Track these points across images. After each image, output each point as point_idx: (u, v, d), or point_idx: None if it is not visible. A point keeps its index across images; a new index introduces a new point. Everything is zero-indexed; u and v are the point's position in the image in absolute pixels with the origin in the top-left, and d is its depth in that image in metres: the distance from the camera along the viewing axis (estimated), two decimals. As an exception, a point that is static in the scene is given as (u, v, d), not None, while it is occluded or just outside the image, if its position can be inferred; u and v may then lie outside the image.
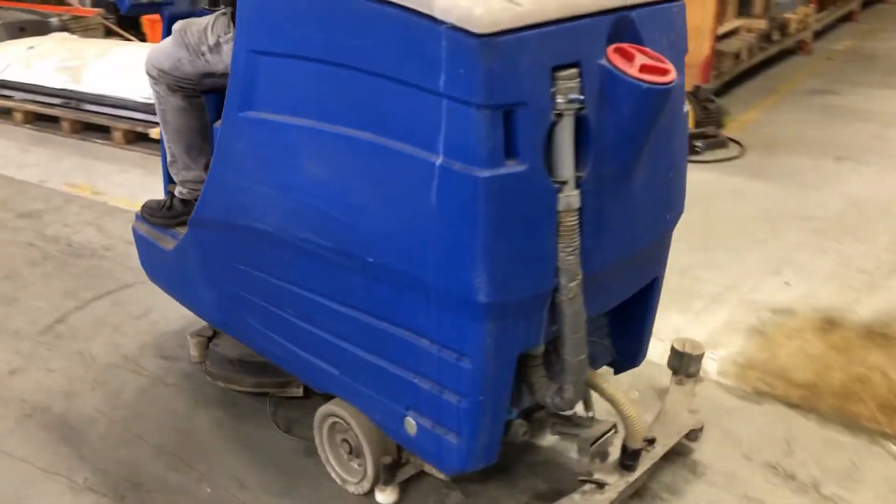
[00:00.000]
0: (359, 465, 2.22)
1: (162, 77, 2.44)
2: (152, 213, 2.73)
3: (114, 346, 2.97)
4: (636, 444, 2.12)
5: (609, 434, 2.20)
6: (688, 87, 5.28)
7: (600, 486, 2.10)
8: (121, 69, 5.42)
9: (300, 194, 1.96)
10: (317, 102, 1.86)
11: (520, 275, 1.71)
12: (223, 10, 2.32)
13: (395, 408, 1.97)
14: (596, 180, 1.75)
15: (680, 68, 1.88)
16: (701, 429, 2.41)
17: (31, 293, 3.40)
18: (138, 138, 5.32)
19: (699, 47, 5.70)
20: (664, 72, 1.68)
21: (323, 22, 1.79)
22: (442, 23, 1.53)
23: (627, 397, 2.10)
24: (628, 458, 2.14)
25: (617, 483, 2.12)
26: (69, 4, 8.33)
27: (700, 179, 4.58)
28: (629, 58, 1.70)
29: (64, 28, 7.48)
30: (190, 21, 2.40)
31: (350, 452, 2.22)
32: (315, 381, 2.23)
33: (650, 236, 2.01)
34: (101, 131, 5.53)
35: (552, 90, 1.62)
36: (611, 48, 1.70)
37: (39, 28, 7.18)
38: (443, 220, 1.66)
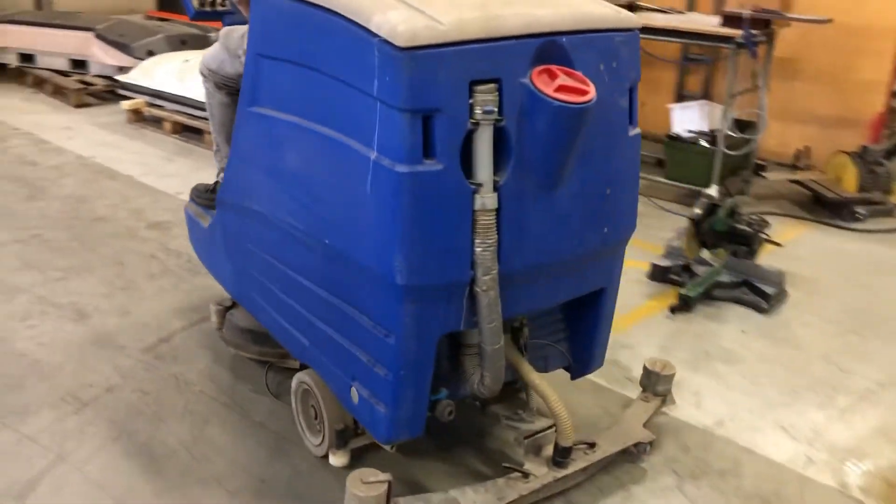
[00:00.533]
0: (320, 430, 2.44)
1: (210, 76, 2.82)
2: (199, 195, 3.07)
3: (210, 374, 2.96)
4: (566, 442, 2.26)
5: (546, 431, 2.34)
6: (854, 147, 5.06)
7: (525, 475, 2.25)
8: None
9: (283, 181, 2.25)
10: (295, 100, 2.16)
11: (436, 263, 1.90)
12: None
13: (344, 378, 2.19)
14: (517, 186, 1.93)
15: (624, 93, 2.08)
16: (651, 443, 2.50)
17: (144, 308, 3.42)
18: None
19: (870, 103, 5.20)
20: (581, 92, 1.87)
21: (296, 30, 2.11)
22: (375, 35, 1.78)
23: (558, 396, 2.23)
24: (559, 455, 2.29)
25: (544, 476, 2.26)
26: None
27: (859, 251, 4.28)
28: (553, 78, 1.88)
29: None
30: (233, 28, 2.75)
31: (315, 418, 2.46)
32: (294, 350, 2.48)
33: (582, 246, 2.15)
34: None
35: (470, 101, 1.81)
36: (537, 69, 1.88)
37: (200, 42, 7.22)
38: (373, 208, 1.89)
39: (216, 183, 2.99)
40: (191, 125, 6.01)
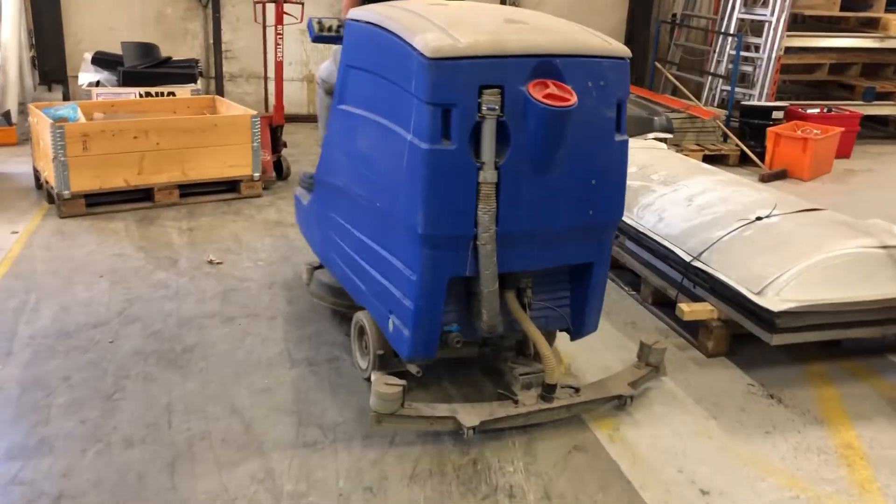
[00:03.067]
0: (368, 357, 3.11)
1: (322, 84, 3.63)
2: (303, 180, 3.73)
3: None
4: (551, 380, 2.82)
5: (537, 373, 2.91)
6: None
7: (515, 401, 2.83)
8: (696, 214, 3.89)
9: (356, 160, 2.97)
10: (367, 98, 2.90)
11: (446, 219, 2.54)
12: None
13: (385, 311, 2.83)
14: (513, 168, 2.57)
15: (611, 106, 2.70)
16: (631, 397, 3.01)
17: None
18: (663, 303, 3.92)
19: None
20: (564, 100, 2.50)
21: (369, 46, 2.88)
22: (415, 49, 2.49)
23: (547, 343, 2.83)
24: (545, 391, 2.85)
25: (531, 405, 2.83)
26: (690, 100, 7.64)
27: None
28: (542, 88, 2.52)
29: (667, 129, 6.50)
30: (340, 47, 3.35)
31: (365, 347, 3.14)
32: (354, 295, 3.14)
33: (568, 221, 2.73)
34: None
35: (479, 100, 2.47)
36: (534, 80, 2.52)
37: (640, 125, 6.29)
38: (407, 176, 2.55)
39: None
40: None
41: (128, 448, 2.65)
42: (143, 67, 6.02)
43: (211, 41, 7.88)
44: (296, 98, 8.13)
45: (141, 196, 5.08)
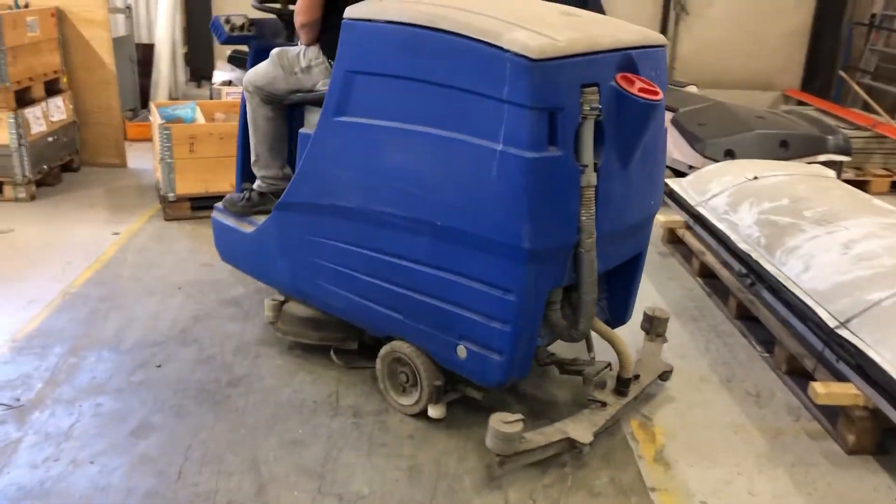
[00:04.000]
0: (414, 391, 2.77)
1: (257, 92, 3.09)
2: (233, 204, 3.30)
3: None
4: (628, 375, 2.79)
5: (605, 370, 2.86)
6: None
7: (603, 405, 2.74)
8: (851, 265, 3.11)
9: (381, 177, 2.58)
10: (399, 108, 2.50)
11: (552, 230, 2.38)
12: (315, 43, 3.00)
13: (448, 339, 2.58)
14: (606, 166, 2.45)
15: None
16: (671, 370, 3.10)
17: None
18: (800, 373, 3.13)
19: None
20: (655, 93, 2.44)
21: (406, 50, 2.44)
22: (507, 51, 2.22)
23: (622, 339, 2.81)
24: (622, 386, 2.82)
25: (615, 404, 2.77)
26: (880, 116, 6.51)
27: None
28: (631, 82, 2.44)
29: (843, 150, 5.40)
30: (285, 49, 3.08)
31: (406, 381, 2.79)
32: (378, 327, 2.83)
33: (638, 215, 2.73)
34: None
35: (580, 101, 2.31)
36: (619, 76, 2.43)
37: (810, 145, 5.24)
38: (500, 189, 2.31)
39: (251, 192, 3.28)
40: (716, 273, 3.93)
41: (126, 499, 2.38)
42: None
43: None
44: None
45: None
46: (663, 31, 7.76)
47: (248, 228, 3.23)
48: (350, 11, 2.60)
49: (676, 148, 5.41)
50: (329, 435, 2.72)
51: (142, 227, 4.68)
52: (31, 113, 5.07)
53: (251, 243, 3.21)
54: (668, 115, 5.57)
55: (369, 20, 2.55)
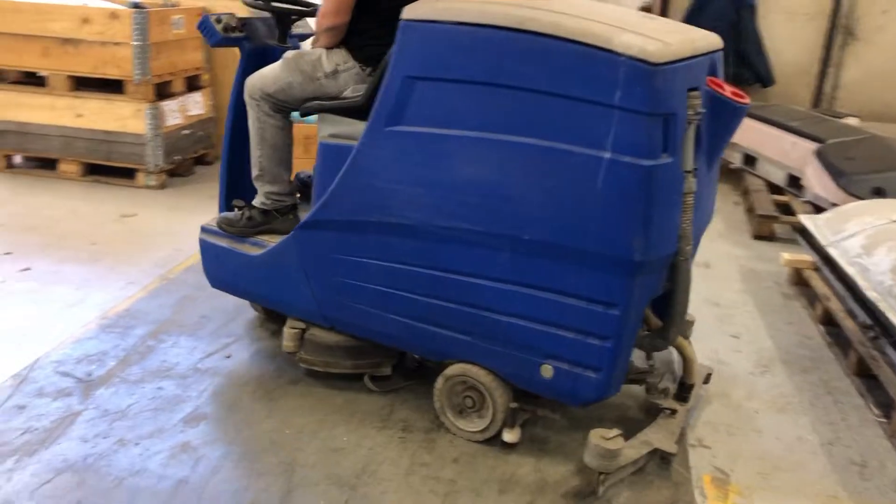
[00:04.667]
0: (480, 416, 2.63)
1: (266, 99, 2.83)
2: (232, 224, 2.99)
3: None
4: (693, 380, 2.76)
5: (664, 376, 2.88)
6: None
7: (673, 412, 2.67)
8: None
9: (450, 190, 2.41)
10: (474, 115, 2.32)
11: (661, 239, 2.30)
12: (336, 46, 2.78)
13: (530, 359, 2.45)
14: (699, 171, 2.37)
15: None
16: (712, 372, 3.05)
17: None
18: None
19: None
20: (743, 96, 2.43)
21: (490, 53, 2.27)
22: (621, 55, 2.10)
23: (689, 343, 2.81)
24: (685, 391, 2.76)
25: (681, 411, 2.70)
26: None
27: None
28: (721, 86, 2.41)
29: None
30: (300, 52, 2.85)
31: (472, 406, 2.63)
32: (438, 351, 2.66)
33: (707, 221, 2.74)
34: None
35: (686, 106, 2.24)
36: (708, 79, 2.39)
37: None
38: (609, 199, 2.19)
39: (250, 210, 3.00)
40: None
41: (157, 483, 2.37)
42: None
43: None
44: None
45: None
46: (826, 57, 7.14)
47: (252, 250, 2.96)
48: (410, 12, 2.41)
49: (819, 182, 4.88)
50: (371, 447, 2.61)
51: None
52: (168, 106, 5.33)
53: (260, 267, 2.93)
54: (812, 146, 5.10)
55: (437, 21, 2.36)
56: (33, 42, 5.12)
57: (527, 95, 2.24)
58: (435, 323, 2.61)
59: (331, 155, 2.70)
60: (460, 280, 2.50)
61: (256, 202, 3.02)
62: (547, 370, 2.45)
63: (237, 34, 3.06)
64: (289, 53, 2.86)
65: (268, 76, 2.85)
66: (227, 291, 3.18)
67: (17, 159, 5.55)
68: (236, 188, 3.23)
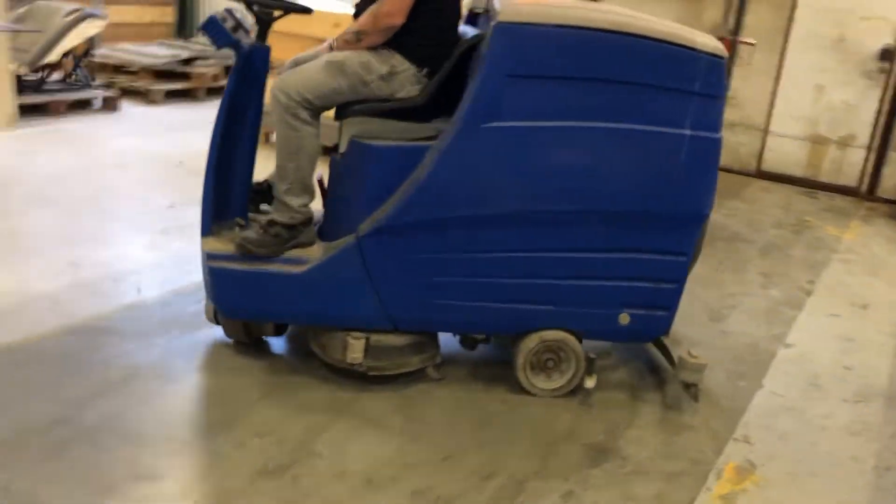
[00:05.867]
0: (562, 373, 2.95)
1: (304, 105, 2.69)
2: (262, 245, 2.74)
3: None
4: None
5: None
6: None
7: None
8: None
9: (548, 176, 2.70)
10: (571, 107, 2.65)
11: (714, 198, 2.88)
12: (380, 48, 2.75)
13: (609, 312, 2.88)
14: None
15: None
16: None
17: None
18: None
19: None
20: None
21: (594, 52, 2.64)
22: (702, 52, 2.67)
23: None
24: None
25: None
26: None
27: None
28: None
29: None
30: (339, 54, 2.75)
31: (553, 366, 2.93)
32: (520, 325, 2.89)
33: None
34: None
35: None
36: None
37: None
38: (690, 169, 2.74)
39: (273, 227, 2.77)
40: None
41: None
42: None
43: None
44: (794, 157, 6.79)
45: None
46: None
47: (294, 269, 2.77)
48: (509, 15, 2.59)
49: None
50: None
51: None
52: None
53: (308, 284, 2.78)
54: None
55: (535, 24, 2.59)
56: (297, 41, 4.70)
57: (620, 87, 2.65)
58: (520, 301, 2.84)
59: (393, 158, 2.73)
60: (551, 257, 2.79)
61: (283, 217, 2.79)
62: (625, 318, 2.89)
63: (241, 34, 2.81)
64: (329, 57, 2.76)
65: (309, 81, 2.70)
66: (253, 319, 2.94)
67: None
68: (224, 203, 2.90)
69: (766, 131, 6.81)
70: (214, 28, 2.72)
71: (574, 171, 2.71)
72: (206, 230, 2.85)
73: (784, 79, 6.65)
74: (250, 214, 2.97)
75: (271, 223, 2.79)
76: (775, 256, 4.93)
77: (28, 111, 6.02)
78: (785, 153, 6.79)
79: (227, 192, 2.90)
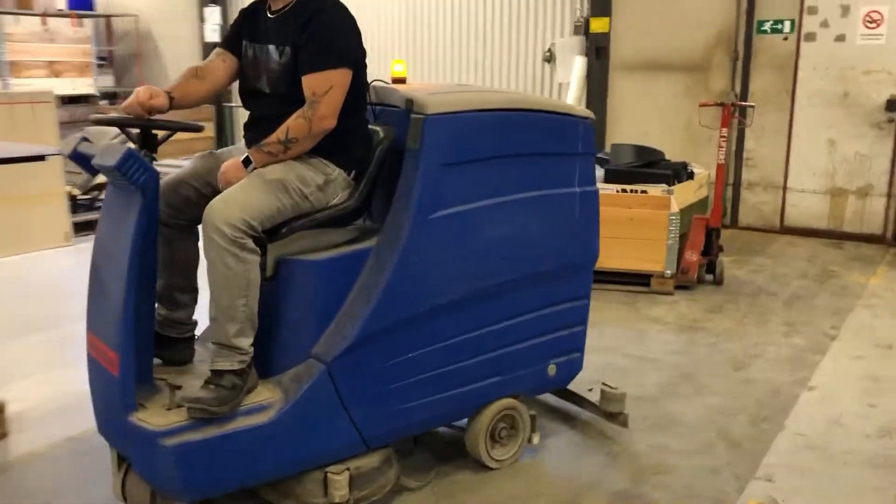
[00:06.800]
0: (514, 438, 3.05)
1: (251, 233, 2.37)
2: (221, 402, 2.34)
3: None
4: None
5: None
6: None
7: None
8: None
9: (486, 254, 2.79)
10: (494, 185, 2.79)
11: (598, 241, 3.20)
12: (307, 158, 2.54)
13: (541, 367, 3.07)
14: None
15: None
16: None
17: None
18: None
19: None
20: None
21: (505, 131, 2.82)
22: (579, 116, 3.04)
23: None
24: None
25: None
26: None
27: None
28: None
29: None
30: (266, 171, 2.46)
31: (506, 433, 3.01)
32: (473, 406, 2.91)
33: None
34: None
35: None
36: None
37: None
38: (582, 220, 3.06)
39: (223, 378, 2.39)
40: None
41: None
42: (629, 166, 5.65)
43: (734, 148, 7.27)
44: (816, 210, 7.07)
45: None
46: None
47: (259, 418, 2.42)
48: (434, 107, 2.61)
49: None
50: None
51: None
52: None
53: (279, 430, 2.44)
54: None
55: (462, 112, 2.68)
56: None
57: (529, 159, 2.90)
58: (475, 380, 2.88)
59: (337, 269, 2.57)
60: (494, 330, 2.88)
61: (232, 364, 2.41)
62: (552, 369, 3.11)
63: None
64: (261, 174, 2.47)
65: (250, 205, 2.38)
66: (222, 492, 2.47)
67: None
68: (142, 365, 2.43)
69: (784, 188, 7.12)
70: (135, 162, 2.26)
71: (507, 243, 2.86)
72: (132, 404, 2.36)
73: (796, 136, 6.99)
74: (167, 373, 2.57)
75: (219, 374, 2.39)
76: (799, 306, 5.02)
77: (82, 228, 6.56)
78: (807, 207, 7.05)
79: (140, 354, 2.40)
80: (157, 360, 2.60)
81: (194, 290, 2.73)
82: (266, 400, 2.47)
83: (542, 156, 2.92)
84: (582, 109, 3.10)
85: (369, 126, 2.75)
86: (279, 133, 2.49)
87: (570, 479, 2.94)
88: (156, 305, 2.58)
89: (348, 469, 2.57)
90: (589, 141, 3.05)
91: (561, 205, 2.99)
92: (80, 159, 2.45)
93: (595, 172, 3.14)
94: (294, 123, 2.48)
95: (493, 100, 2.82)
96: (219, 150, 2.82)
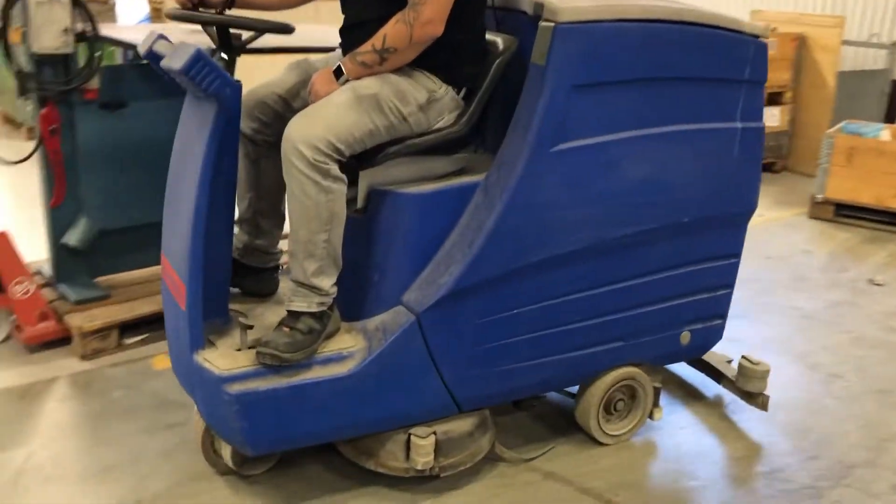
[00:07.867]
0: (630, 411, 2.69)
1: (337, 156, 2.05)
2: (296, 348, 2.08)
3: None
4: None
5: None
6: None
7: None
8: None
9: (621, 197, 2.33)
10: (634, 113, 2.29)
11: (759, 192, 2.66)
12: (408, 71, 2.17)
13: (673, 334, 2.63)
14: None
15: None
16: None
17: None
18: None
19: None
20: None
21: (655, 48, 2.27)
22: (748, 34, 2.44)
23: None
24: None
25: None
26: None
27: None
28: None
29: None
30: (362, 85, 2.11)
31: (624, 405, 2.66)
32: (586, 373, 2.54)
33: None
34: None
35: None
36: None
37: None
38: (742, 163, 2.53)
39: (301, 320, 2.12)
40: None
41: None
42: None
43: None
44: None
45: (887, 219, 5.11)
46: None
47: (338, 369, 2.16)
48: (565, 14, 2.11)
49: None
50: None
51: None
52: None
53: (360, 384, 2.18)
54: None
55: (599, 21, 2.15)
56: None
57: (683, 84, 2.38)
58: (590, 345, 2.47)
59: (437, 206, 2.22)
60: (619, 288, 2.44)
61: (311, 305, 2.14)
62: (686, 337, 2.65)
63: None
64: (354, 88, 2.10)
65: (338, 125, 2.04)
66: (292, 447, 2.30)
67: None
68: (214, 296, 2.19)
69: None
70: (205, 66, 1.91)
71: (646, 187, 2.36)
72: (200, 341, 2.12)
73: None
74: (246, 305, 2.34)
75: (295, 316, 2.13)
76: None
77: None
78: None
79: (211, 284, 2.15)
80: (236, 290, 2.35)
81: (280, 217, 2.42)
82: (347, 349, 2.17)
83: (698, 81, 2.37)
84: (754, 25, 2.47)
85: (486, 35, 2.31)
86: (375, 40, 2.08)
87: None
88: (235, 231, 2.29)
89: (435, 433, 2.29)
90: (760, 66, 2.46)
91: (717, 142, 2.45)
92: (155, 60, 2.11)
93: (763, 104, 2.55)
94: (393, 29, 2.06)
95: (642, 8, 2.25)
96: (314, 58, 2.43)
